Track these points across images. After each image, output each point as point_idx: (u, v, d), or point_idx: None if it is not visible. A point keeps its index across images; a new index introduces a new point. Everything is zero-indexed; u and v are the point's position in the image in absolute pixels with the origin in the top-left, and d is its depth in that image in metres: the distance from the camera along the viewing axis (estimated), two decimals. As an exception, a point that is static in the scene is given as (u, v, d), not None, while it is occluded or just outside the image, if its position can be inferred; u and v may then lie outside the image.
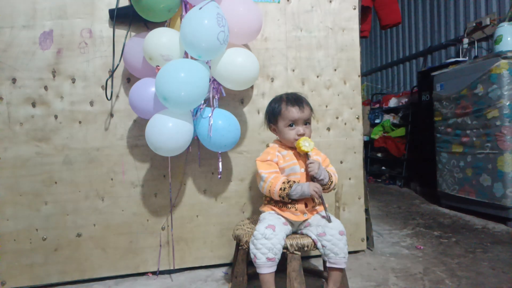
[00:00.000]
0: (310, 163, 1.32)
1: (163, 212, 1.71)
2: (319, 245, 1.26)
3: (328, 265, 1.27)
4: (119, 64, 1.63)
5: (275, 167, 1.37)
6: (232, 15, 1.43)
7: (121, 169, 1.68)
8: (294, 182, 1.31)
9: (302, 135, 1.36)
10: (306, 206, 1.35)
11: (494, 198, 2.41)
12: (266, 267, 1.19)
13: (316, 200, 1.36)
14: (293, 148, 1.40)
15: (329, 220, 1.29)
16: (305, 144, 1.33)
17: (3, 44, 1.58)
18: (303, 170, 1.36)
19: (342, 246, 1.25)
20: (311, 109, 1.42)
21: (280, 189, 1.29)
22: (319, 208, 1.38)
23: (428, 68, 3.89)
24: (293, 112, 1.36)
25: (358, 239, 1.88)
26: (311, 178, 1.34)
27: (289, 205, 1.34)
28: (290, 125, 1.37)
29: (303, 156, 1.38)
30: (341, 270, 1.29)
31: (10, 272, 1.59)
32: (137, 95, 1.49)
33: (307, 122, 1.40)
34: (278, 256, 1.21)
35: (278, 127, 1.41)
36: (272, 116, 1.42)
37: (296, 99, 1.40)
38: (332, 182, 1.36)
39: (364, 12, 3.01)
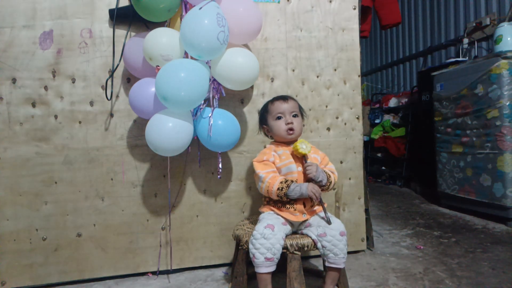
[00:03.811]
0: (308, 165, 1.32)
1: (163, 212, 1.71)
2: (319, 245, 1.26)
3: (327, 264, 1.28)
4: (119, 64, 1.63)
5: (272, 166, 1.37)
6: (232, 15, 1.43)
7: (121, 169, 1.68)
8: (292, 181, 1.31)
9: (291, 123, 1.39)
10: (304, 206, 1.35)
11: (494, 198, 2.41)
12: (264, 266, 1.19)
13: (314, 201, 1.36)
14: (288, 146, 1.40)
15: (329, 222, 1.29)
16: (302, 146, 1.33)
17: (3, 44, 1.58)
18: (300, 169, 1.36)
19: (342, 247, 1.25)
20: (299, 105, 1.49)
21: (278, 189, 1.29)
22: (318, 209, 1.38)
23: (428, 68, 3.89)
24: (277, 104, 1.43)
25: (358, 239, 1.88)
26: (308, 180, 1.34)
27: (288, 206, 1.34)
28: (278, 118, 1.41)
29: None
30: (340, 269, 1.29)
31: (10, 272, 1.59)
32: (137, 95, 1.49)
33: (295, 114, 1.42)
34: (277, 256, 1.20)
35: (268, 125, 1.45)
36: (262, 117, 1.50)
37: (280, 95, 1.49)
38: (331, 182, 1.36)
39: (364, 12, 3.01)
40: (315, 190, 1.28)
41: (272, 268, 1.21)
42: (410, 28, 4.77)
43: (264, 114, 1.48)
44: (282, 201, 1.34)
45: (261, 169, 1.36)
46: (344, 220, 1.83)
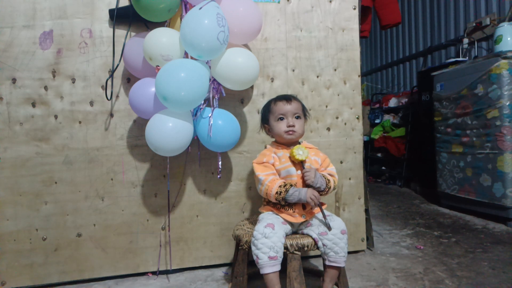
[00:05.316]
0: (306, 171, 1.31)
1: (163, 212, 1.71)
2: (320, 244, 1.26)
3: (327, 263, 1.28)
4: (119, 64, 1.63)
5: (272, 168, 1.36)
6: (232, 15, 1.43)
7: (121, 169, 1.68)
8: (291, 185, 1.30)
9: (292, 126, 1.37)
10: (304, 208, 1.34)
11: (494, 198, 2.41)
12: (269, 266, 1.18)
13: (313, 207, 1.35)
14: (288, 148, 1.39)
15: (329, 228, 1.27)
16: (299, 152, 1.31)
17: (3, 44, 1.58)
18: (299, 172, 1.35)
19: (343, 246, 1.25)
20: (303, 106, 1.46)
21: (277, 192, 1.28)
22: (317, 210, 1.36)
23: (428, 68, 3.89)
24: (280, 105, 1.40)
25: (358, 239, 1.88)
26: (307, 185, 1.33)
27: (287, 207, 1.34)
28: (280, 119, 1.39)
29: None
30: (339, 268, 1.29)
31: (10, 272, 1.59)
32: (137, 95, 1.49)
33: (297, 116, 1.40)
34: (280, 254, 1.20)
35: (270, 124, 1.43)
36: (264, 116, 1.47)
37: (284, 95, 1.46)
38: (330, 188, 1.34)
39: (364, 12, 3.01)
40: (314, 197, 1.27)
41: (277, 268, 1.19)
42: (410, 28, 4.77)
43: (266, 113, 1.46)
44: (281, 203, 1.34)
45: (260, 171, 1.35)
46: (344, 220, 1.81)
